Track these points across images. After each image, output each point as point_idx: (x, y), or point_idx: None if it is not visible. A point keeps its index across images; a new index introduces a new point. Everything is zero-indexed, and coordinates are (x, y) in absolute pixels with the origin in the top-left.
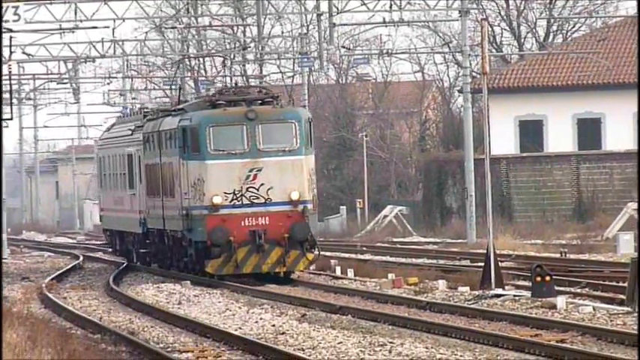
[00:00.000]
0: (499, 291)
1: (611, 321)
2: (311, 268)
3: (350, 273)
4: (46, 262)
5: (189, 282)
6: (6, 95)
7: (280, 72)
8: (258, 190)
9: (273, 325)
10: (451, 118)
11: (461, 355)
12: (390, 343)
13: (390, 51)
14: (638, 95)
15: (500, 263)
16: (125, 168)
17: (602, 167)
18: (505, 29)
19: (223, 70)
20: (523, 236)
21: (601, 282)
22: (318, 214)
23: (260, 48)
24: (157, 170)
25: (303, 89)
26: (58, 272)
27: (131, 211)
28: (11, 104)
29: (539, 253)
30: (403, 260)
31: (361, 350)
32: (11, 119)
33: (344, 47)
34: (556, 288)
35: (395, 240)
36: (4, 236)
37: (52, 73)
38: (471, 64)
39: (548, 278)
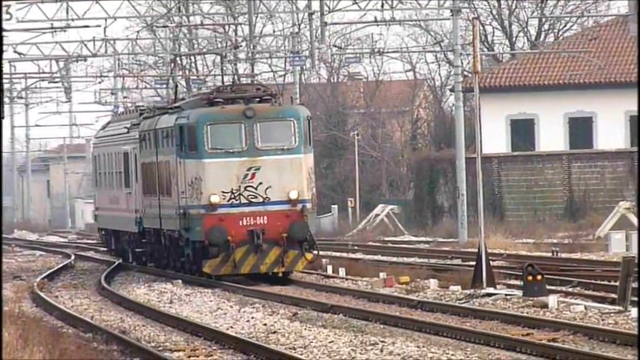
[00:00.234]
0: (490, 290)
1: (602, 320)
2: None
3: (341, 272)
4: (37, 260)
5: (180, 281)
6: None
7: (272, 71)
8: (256, 189)
9: (265, 324)
10: (442, 117)
11: (452, 355)
12: (382, 342)
13: (381, 50)
14: (638, 95)
15: (491, 262)
16: (121, 166)
17: (593, 166)
18: (497, 28)
19: (221, 66)
20: (514, 235)
21: (592, 281)
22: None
23: (252, 47)
24: (153, 169)
25: (294, 88)
26: (50, 271)
27: (127, 210)
28: (2, 103)
29: (531, 252)
30: (395, 259)
31: (352, 349)
32: (3, 118)
33: (335, 46)
34: (547, 287)
35: (386, 239)
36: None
37: (43, 72)
38: (462, 63)
39: (539, 277)
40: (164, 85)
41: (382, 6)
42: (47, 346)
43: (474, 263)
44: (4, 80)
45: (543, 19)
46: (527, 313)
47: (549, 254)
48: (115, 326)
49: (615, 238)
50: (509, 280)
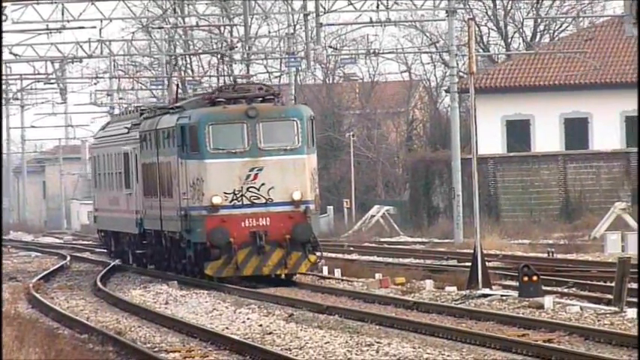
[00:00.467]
0: (486, 291)
1: (598, 321)
2: None
3: (337, 273)
4: (33, 262)
5: (176, 282)
6: None
7: (267, 72)
8: (258, 190)
9: (261, 325)
10: (438, 117)
11: (448, 355)
12: (377, 343)
13: (377, 51)
14: (638, 96)
15: (487, 263)
16: (121, 167)
17: (589, 167)
18: (492, 29)
19: (222, 65)
20: (510, 236)
21: (588, 282)
22: None
23: (247, 48)
24: (154, 169)
25: (290, 89)
26: (46, 272)
27: (127, 211)
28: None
29: (527, 252)
30: (390, 260)
31: (348, 350)
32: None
33: (331, 47)
34: (543, 288)
35: (382, 240)
36: None
37: (39, 74)
38: (458, 64)
39: (535, 278)
40: (160, 86)
41: (378, 7)
42: (43, 347)
43: (469, 264)
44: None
45: (539, 20)
46: (522, 313)
47: (545, 255)
48: (111, 327)
49: (611, 238)
50: (504, 280)
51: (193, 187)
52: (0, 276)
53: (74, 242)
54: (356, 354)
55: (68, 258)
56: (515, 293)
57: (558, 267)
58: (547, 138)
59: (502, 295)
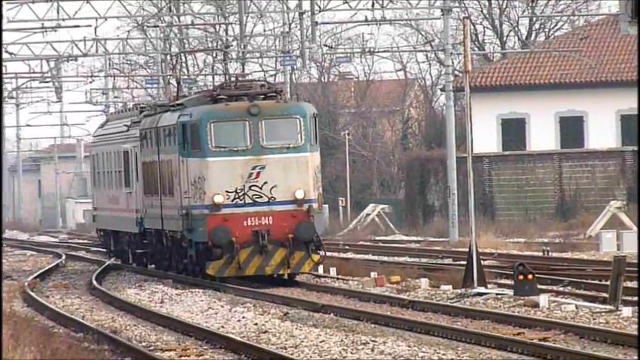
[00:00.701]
0: (481, 289)
1: (593, 319)
2: None
3: (332, 271)
4: (28, 260)
5: (171, 280)
6: None
7: (262, 70)
8: (261, 188)
9: (256, 324)
10: (433, 116)
11: (443, 354)
12: (373, 341)
13: (372, 49)
14: (638, 95)
15: (482, 262)
16: (121, 165)
17: (584, 165)
18: (487, 27)
19: (220, 63)
20: (505, 234)
21: (583, 280)
22: None
23: (242, 46)
24: (154, 168)
25: (285, 88)
26: (41, 271)
27: (127, 210)
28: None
29: (522, 251)
30: (385, 259)
31: (343, 349)
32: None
33: (326, 46)
34: (538, 286)
35: (377, 238)
36: None
37: (34, 72)
38: (453, 63)
39: (530, 276)
40: (155, 85)
41: (373, 5)
42: (38, 346)
43: (464, 263)
44: None
45: (534, 19)
46: (518, 312)
47: (540, 253)
48: (106, 326)
49: (606, 237)
50: (500, 279)
51: (195, 185)
52: (0, 276)
53: (69, 241)
54: (351, 352)
55: (63, 257)
56: (510, 292)
57: (554, 265)
58: (542, 137)
59: (497, 294)
